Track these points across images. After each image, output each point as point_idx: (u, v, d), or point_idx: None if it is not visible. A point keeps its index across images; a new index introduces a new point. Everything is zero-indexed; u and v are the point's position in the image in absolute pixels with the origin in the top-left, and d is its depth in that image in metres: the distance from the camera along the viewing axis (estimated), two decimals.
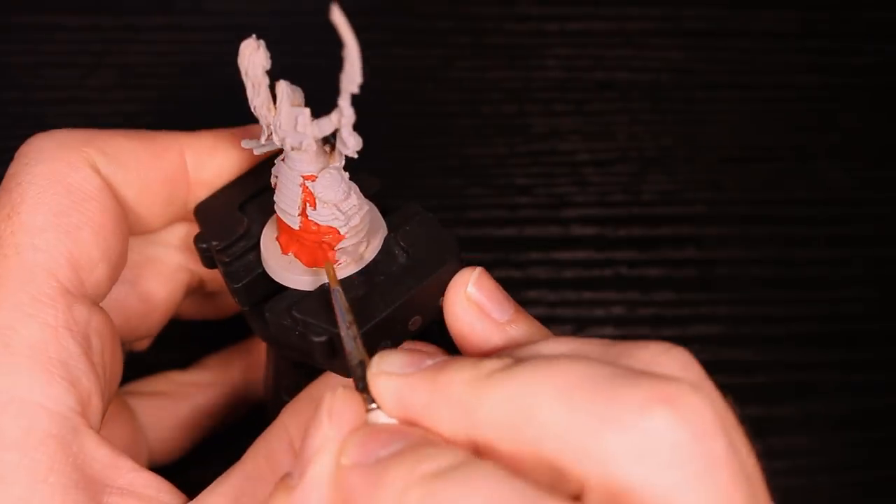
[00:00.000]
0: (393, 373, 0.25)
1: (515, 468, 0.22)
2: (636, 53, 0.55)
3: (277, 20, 0.54)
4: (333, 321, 0.28)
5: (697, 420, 0.22)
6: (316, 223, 0.29)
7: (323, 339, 0.28)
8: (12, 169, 0.30)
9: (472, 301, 0.28)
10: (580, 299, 0.48)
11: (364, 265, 0.30)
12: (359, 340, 0.27)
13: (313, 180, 0.29)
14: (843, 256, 0.50)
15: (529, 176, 0.51)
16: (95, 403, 0.28)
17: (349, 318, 0.27)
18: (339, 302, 0.27)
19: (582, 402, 0.22)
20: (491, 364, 0.24)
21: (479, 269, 0.29)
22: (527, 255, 0.49)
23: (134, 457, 0.34)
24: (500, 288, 0.29)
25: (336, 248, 0.29)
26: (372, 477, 0.23)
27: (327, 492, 0.24)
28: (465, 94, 0.53)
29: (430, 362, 0.25)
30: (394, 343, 0.29)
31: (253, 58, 0.29)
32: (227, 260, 0.31)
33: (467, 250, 0.48)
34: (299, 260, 0.30)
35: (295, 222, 0.29)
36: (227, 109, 0.52)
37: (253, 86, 0.29)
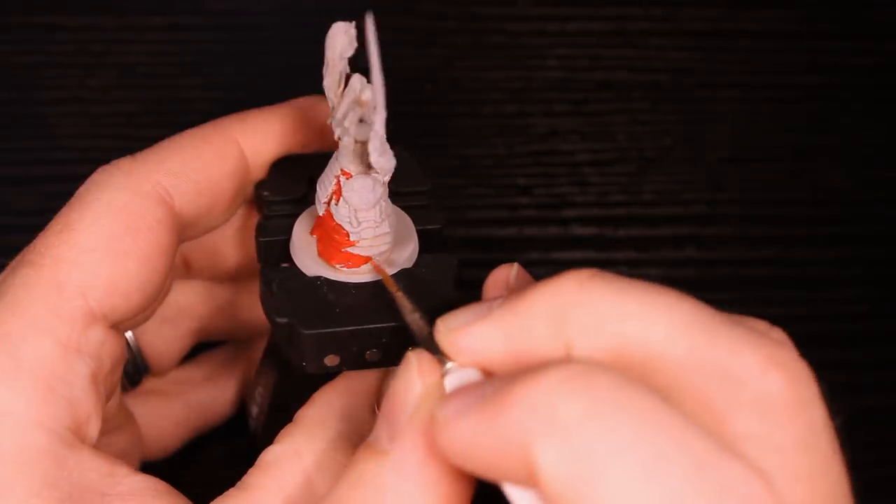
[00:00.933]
0: (464, 325, 0.24)
1: None
2: (636, 53, 0.55)
3: (277, 20, 0.54)
4: (296, 313, 0.28)
5: (807, 389, 0.23)
6: (332, 217, 0.29)
7: (283, 321, 0.28)
8: (80, 190, 0.30)
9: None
10: None
11: (398, 269, 0.30)
12: (419, 315, 0.27)
13: (347, 178, 0.29)
14: (843, 256, 0.50)
15: (529, 176, 0.51)
16: (94, 423, 0.28)
17: (401, 296, 0.27)
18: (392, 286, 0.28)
19: (702, 343, 0.22)
20: (579, 277, 0.23)
21: (516, 266, 0.29)
22: (527, 255, 0.49)
23: (129, 454, 0.34)
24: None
25: (342, 251, 0.29)
26: (490, 406, 0.21)
27: (430, 450, 0.23)
28: (465, 94, 0.53)
29: (498, 301, 0.24)
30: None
31: (334, 39, 0.29)
32: (267, 213, 0.31)
33: (467, 250, 0.48)
34: (318, 245, 0.30)
35: (321, 208, 0.30)
36: (227, 109, 0.52)
37: (326, 65, 0.29)
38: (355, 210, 0.29)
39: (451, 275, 0.31)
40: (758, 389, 0.21)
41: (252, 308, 0.37)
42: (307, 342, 0.28)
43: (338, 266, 0.30)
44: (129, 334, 0.35)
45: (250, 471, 0.29)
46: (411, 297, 0.28)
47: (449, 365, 0.24)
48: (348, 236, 0.29)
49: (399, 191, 0.32)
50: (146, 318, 0.31)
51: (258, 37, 0.53)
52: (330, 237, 0.30)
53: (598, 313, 0.23)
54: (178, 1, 0.54)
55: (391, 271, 0.30)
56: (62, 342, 0.27)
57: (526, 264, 0.48)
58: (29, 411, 0.26)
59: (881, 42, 0.56)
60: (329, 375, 0.30)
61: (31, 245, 0.29)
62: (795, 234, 0.50)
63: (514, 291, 0.24)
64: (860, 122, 0.54)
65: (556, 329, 0.23)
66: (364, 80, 0.28)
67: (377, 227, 0.29)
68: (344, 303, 0.29)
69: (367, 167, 0.29)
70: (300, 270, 0.30)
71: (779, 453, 0.21)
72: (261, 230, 0.31)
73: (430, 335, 0.25)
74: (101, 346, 0.28)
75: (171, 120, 0.51)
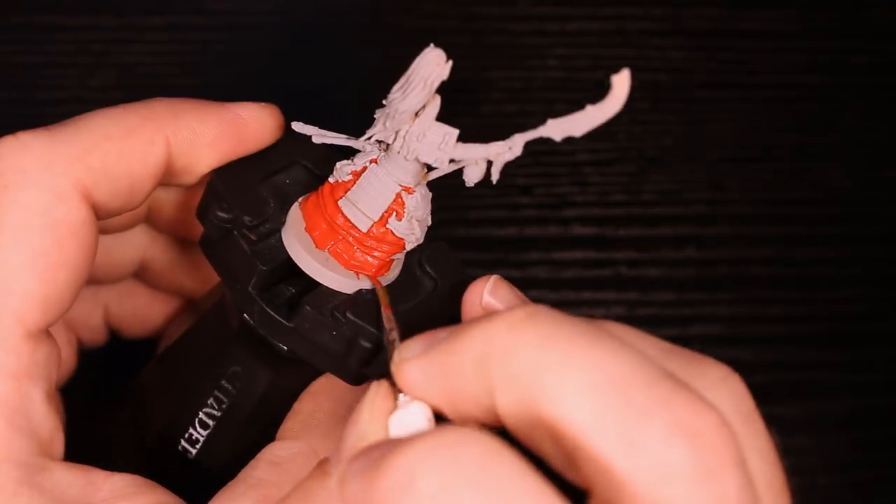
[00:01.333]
0: (411, 357, 0.24)
1: (531, 446, 0.22)
2: (636, 53, 0.55)
3: (277, 20, 0.54)
4: (380, 327, 0.27)
5: (718, 457, 0.21)
6: (393, 233, 0.29)
7: (369, 345, 0.28)
8: None
9: (489, 310, 0.27)
10: (580, 299, 0.48)
11: (389, 280, 0.30)
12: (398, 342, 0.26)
13: (410, 193, 0.29)
14: (843, 256, 0.50)
15: (529, 176, 0.51)
16: (58, 439, 0.28)
17: (392, 321, 0.27)
18: (384, 303, 0.27)
19: (612, 407, 0.21)
20: (513, 315, 0.23)
21: (493, 278, 0.28)
22: (527, 255, 0.49)
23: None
24: (518, 292, 0.28)
25: (392, 258, 0.29)
26: (368, 473, 0.21)
27: (370, 475, 0.22)
28: (465, 94, 0.53)
29: (443, 335, 0.24)
30: None
31: (439, 69, 0.29)
32: (254, 238, 0.29)
33: (467, 250, 0.48)
34: (336, 259, 0.29)
35: (366, 225, 0.29)
36: None
37: (418, 87, 0.29)
38: (418, 221, 0.29)
39: (452, 257, 0.31)
40: (657, 458, 0.21)
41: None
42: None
43: (335, 256, 0.29)
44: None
45: (257, 465, 0.29)
46: (398, 317, 0.27)
47: (402, 397, 0.24)
48: (403, 246, 0.29)
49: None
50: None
51: (258, 37, 0.53)
52: (364, 248, 0.29)
53: (518, 363, 0.22)
54: (178, 1, 0.54)
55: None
56: (13, 374, 0.27)
57: (526, 264, 0.49)
58: None
59: (881, 42, 0.56)
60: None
61: None
62: (795, 234, 0.50)
63: (457, 327, 0.24)
64: (860, 122, 0.54)
65: (481, 374, 0.22)
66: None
67: (416, 232, 0.29)
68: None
69: (419, 179, 0.29)
70: (329, 288, 0.29)
71: (744, 428, 0.21)
72: (259, 258, 0.29)
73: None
74: (49, 362, 0.28)
75: None
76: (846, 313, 0.48)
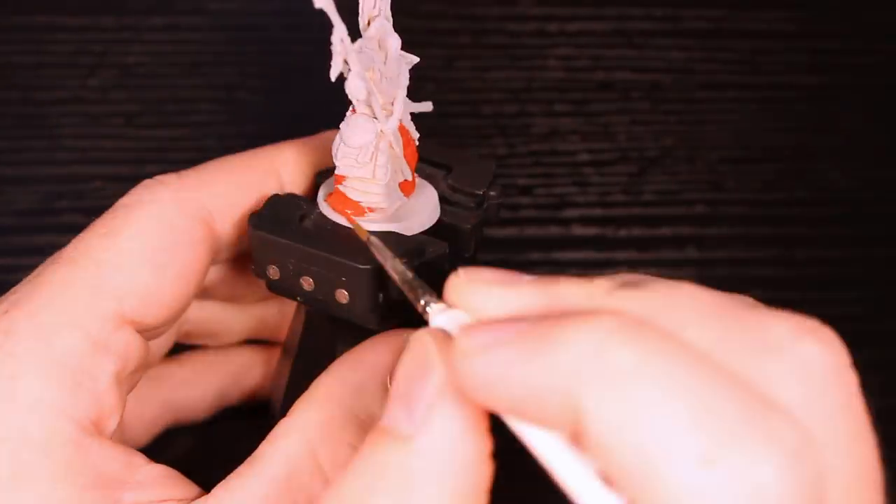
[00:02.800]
0: (491, 282, 0.23)
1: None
2: (636, 53, 0.55)
3: (277, 20, 0.54)
4: (260, 215, 0.30)
5: (841, 354, 0.23)
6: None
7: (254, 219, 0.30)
8: (124, 199, 0.30)
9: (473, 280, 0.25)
10: None
11: (404, 230, 0.30)
12: (399, 260, 0.26)
13: (352, 113, 0.30)
14: (843, 256, 0.50)
15: (530, 176, 0.51)
16: (114, 418, 0.29)
17: (375, 241, 0.27)
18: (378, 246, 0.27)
19: (734, 326, 0.21)
20: (610, 281, 0.23)
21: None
22: (527, 255, 0.49)
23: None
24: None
25: (336, 187, 0.30)
26: (532, 342, 0.20)
27: (462, 432, 0.22)
28: (465, 94, 0.53)
29: (527, 277, 0.24)
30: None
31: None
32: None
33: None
34: (335, 209, 0.31)
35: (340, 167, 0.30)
36: (227, 109, 0.52)
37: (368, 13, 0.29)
38: (341, 142, 0.29)
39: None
40: (794, 356, 0.21)
41: (236, 318, 0.38)
42: (252, 240, 0.30)
43: (329, 202, 0.31)
44: None
45: (261, 443, 0.29)
46: (392, 246, 0.27)
47: (433, 307, 0.24)
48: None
49: (454, 187, 0.32)
50: (164, 332, 0.32)
51: (258, 37, 0.53)
52: (335, 183, 0.31)
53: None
54: (178, 1, 0.54)
55: (382, 227, 0.30)
56: (92, 338, 0.28)
57: (526, 264, 0.49)
58: (57, 401, 0.27)
59: (881, 42, 0.56)
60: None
61: (72, 244, 0.30)
62: (795, 234, 0.50)
63: (545, 278, 0.24)
64: (860, 122, 0.54)
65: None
66: (389, 26, 0.30)
67: (358, 167, 0.29)
68: (310, 228, 0.30)
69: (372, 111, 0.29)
70: (305, 199, 0.31)
71: (822, 418, 0.21)
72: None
73: (413, 280, 0.25)
74: (128, 348, 0.29)
75: (171, 120, 0.51)
76: (846, 313, 0.48)
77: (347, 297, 0.30)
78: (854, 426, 0.22)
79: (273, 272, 0.30)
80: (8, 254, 0.46)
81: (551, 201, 0.50)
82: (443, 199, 0.32)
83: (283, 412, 0.32)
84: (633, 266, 0.49)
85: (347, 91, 0.28)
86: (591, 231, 0.50)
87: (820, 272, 0.49)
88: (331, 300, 0.30)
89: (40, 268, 0.30)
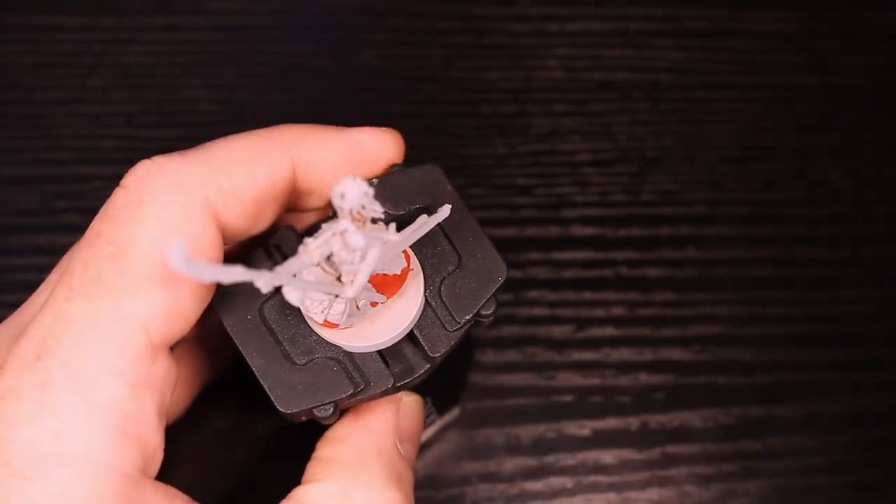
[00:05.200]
0: None
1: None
2: (636, 53, 0.55)
3: (277, 20, 0.54)
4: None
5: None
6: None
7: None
8: (121, 200, 0.28)
9: None
10: (580, 299, 0.48)
11: (367, 339, 0.29)
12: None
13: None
14: (843, 256, 0.50)
15: (529, 176, 0.51)
16: (159, 456, 0.28)
17: None
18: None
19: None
20: None
21: None
22: (527, 255, 0.49)
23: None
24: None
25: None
26: None
27: None
28: (465, 94, 0.53)
29: None
30: None
31: (347, 191, 0.25)
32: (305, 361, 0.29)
33: None
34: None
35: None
36: (227, 109, 0.52)
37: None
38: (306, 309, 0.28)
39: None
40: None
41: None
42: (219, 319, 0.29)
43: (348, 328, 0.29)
44: None
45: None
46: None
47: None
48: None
49: (442, 298, 0.29)
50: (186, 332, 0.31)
51: (258, 37, 0.53)
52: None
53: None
54: (178, 1, 0.54)
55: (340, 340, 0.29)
56: (131, 382, 0.27)
57: (526, 264, 0.49)
58: (104, 456, 0.26)
59: (881, 42, 0.56)
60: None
61: (80, 262, 0.28)
62: (795, 234, 0.50)
63: None
64: (860, 122, 0.54)
65: None
66: (350, 228, 0.25)
67: (312, 308, 0.28)
68: (269, 315, 0.29)
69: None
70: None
71: None
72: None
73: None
74: (165, 378, 0.28)
75: (171, 120, 0.51)
76: (846, 313, 0.48)
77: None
78: None
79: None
80: (8, 254, 0.46)
81: (551, 201, 0.50)
82: (428, 303, 0.29)
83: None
84: (633, 266, 0.49)
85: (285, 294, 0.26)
86: (590, 231, 0.50)
87: (820, 272, 0.49)
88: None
89: (53, 300, 0.28)
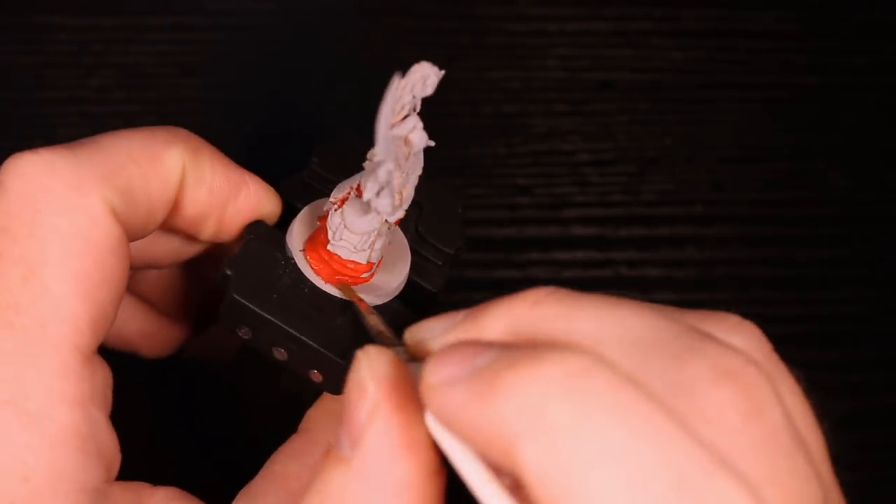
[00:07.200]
0: (429, 337, 0.24)
1: None
2: (636, 53, 0.55)
3: (278, 20, 0.54)
4: (238, 274, 0.29)
5: (759, 393, 0.22)
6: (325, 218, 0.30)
7: (227, 272, 0.29)
8: (15, 209, 0.27)
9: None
10: None
11: (383, 296, 0.30)
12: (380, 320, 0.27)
13: (358, 195, 0.29)
14: (843, 256, 0.50)
15: (529, 176, 0.51)
16: (118, 458, 0.28)
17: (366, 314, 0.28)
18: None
19: (655, 362, 0.22)
20: (533, 295, 0.23)
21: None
22: (527, 255, 0.49)
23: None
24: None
25: (320, 251, 0.30)
26: (482, 386, 0.20)
27: (393, 453, 0.22)
28: (465, 94, 0.53)
29: (461, 315, 0.24)
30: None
31: (414, 76, 0.28)
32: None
33: (468, 250, 0.48)
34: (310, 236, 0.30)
35: (329, 205, 0.30)
36: (227, 109, 0.52)
37: (395, 92, 0.27)
38: (343, 226, 0.29)
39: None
40: (708, 400, 0.21)
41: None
42: (228, 301, 0.29)
43: (310, 261, 0.30)
44: None
45: (276, 458, 0.29)
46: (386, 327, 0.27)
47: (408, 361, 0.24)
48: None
49: (425, 238, 0.32)
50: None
51: (258, 37, 0.53)
52: (318, 235, 0.30)
53: (547, 333, 0.22)
54: (179, 1, 0.54)
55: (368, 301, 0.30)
56: (79, 402, 0.27)
57: (526, 264, 0.49)
58: (72, 483, 0.26)
59: (881, 42, 0.56)
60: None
61: None
62: (795, 234, 0.50)
63: (475, 308, 0.24)
64: (860, 122, 0.54)
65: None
66: (420, 124, 0.28)
67: (353, 253, 0.29)
68: (288, 292, 0.29)
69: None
70: (283, 244, 0.30)
71: (741, 460, 0.21)
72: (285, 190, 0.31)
73: (392, 340, 0.26)
74: (104, 384, 0.28)
75: (171, 120, 0.51)
76: (846, 313, 0.48)
77: (321, 377, 0.29)
78: (781, 463, 0.22)
79: (244, 332, 0.29)
80: None
81: (551, 201, 0.50)
82: (412, 250, 0.31)
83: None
84: (633, 266, 0.49)
85: (370, 192, 0.27)
86: (590, 231, 0.50)
87: (820, 272, 0.49)
88: (302, 373, 0.30)
89: None
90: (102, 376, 0.28)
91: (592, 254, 0.49)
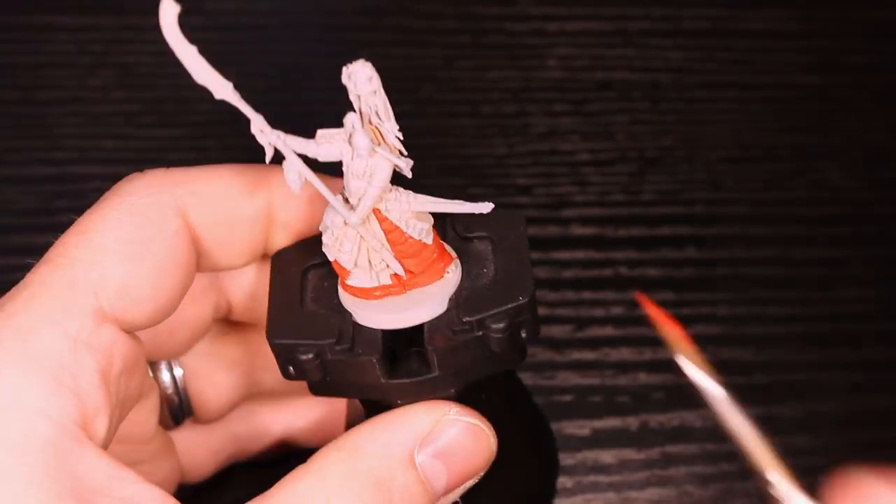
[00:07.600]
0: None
1: None
2: (636, 53, 0.55)
3: (277, 20, 0.54)
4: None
5: None
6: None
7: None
8: (106, 194, 0.30)
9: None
10: (580, 299, 0.48)
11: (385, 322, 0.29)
12: None
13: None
14: (843, 256, 0.50)
15: (529, 176, 0.51)
16: (102, 420, 0.28)
17: None
18: None
19: None
20: None
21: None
22: None
23: (168, 481, 0.34)
24: None
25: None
26: None
27: None
28: (465, 94, 0.53)
29: None
30: None
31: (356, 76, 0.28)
32: (347, 347, 0.28)
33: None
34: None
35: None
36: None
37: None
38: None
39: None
40: None
41: None
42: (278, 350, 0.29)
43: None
44: (178, 374, 0.35)
45: (277, 483, 0.28)
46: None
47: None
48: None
49: (474, 289, 0.29)
50: (155, 323, 0.30)
51: (258, 37, 0.53)
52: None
53: None
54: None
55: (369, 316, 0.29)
56: (72, 336, 0.27)
57: None
58: (35, 401, 0.26)
59: (881, 42, 0.56)
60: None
61: (53, 245, 0.29)
62: (795, 234, 0.50)
63: None
64: (860, 122, 0.54)
65: None
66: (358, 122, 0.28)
67: (327, 248, 0.28)
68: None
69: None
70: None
71: None
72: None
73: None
74: (112, 346, 0.28)
75: (171, 120, 0.51)
76: (846, 313, 0.48)
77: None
78: None
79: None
80: (8, 254, 0.46)
81: (550, 201, 0.50)
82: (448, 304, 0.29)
83: None
84: (633, 266, 0.49)
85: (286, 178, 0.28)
86: (590, 231, 0.50)
87: (820, 272, 0.49)
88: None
89: (28, 274, 0.29)
90: (112, 341, 0.28)
91: (592, 254, 0.49)
